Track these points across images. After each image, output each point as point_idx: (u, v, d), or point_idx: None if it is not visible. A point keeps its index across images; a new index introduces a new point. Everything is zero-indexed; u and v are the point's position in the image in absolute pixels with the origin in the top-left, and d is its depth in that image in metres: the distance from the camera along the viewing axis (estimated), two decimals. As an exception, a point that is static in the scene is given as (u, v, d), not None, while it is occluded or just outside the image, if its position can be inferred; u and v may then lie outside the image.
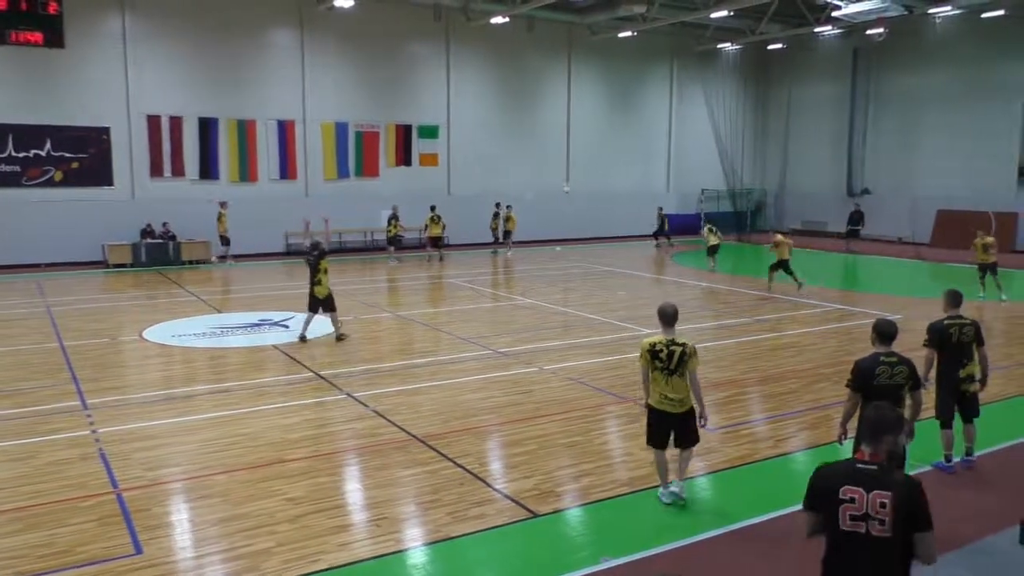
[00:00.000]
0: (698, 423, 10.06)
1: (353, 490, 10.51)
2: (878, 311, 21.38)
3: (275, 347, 17.52)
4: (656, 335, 9.68)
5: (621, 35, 40.86)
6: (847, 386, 9.50)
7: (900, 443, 6.29)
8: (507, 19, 36.83)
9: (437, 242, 34.00)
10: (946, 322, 11.31)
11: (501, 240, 37.04)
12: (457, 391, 14.31)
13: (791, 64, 47.39)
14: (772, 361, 16.08)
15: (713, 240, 29.25)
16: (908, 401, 9.31)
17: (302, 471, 10.98)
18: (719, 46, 45.50)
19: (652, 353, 9.69)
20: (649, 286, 25.46)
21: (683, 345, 9.59)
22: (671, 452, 10.28)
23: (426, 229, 34.59)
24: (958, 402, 11.39)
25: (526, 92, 40.86)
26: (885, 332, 9.54)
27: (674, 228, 42.03)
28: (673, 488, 10.39)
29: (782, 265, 23.40)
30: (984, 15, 37.46)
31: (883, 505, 6.03)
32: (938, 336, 11.20)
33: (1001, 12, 36.59)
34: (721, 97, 47.51)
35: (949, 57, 40.50)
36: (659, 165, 47.28)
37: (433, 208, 34.73)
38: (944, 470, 11.31)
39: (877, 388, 9.24)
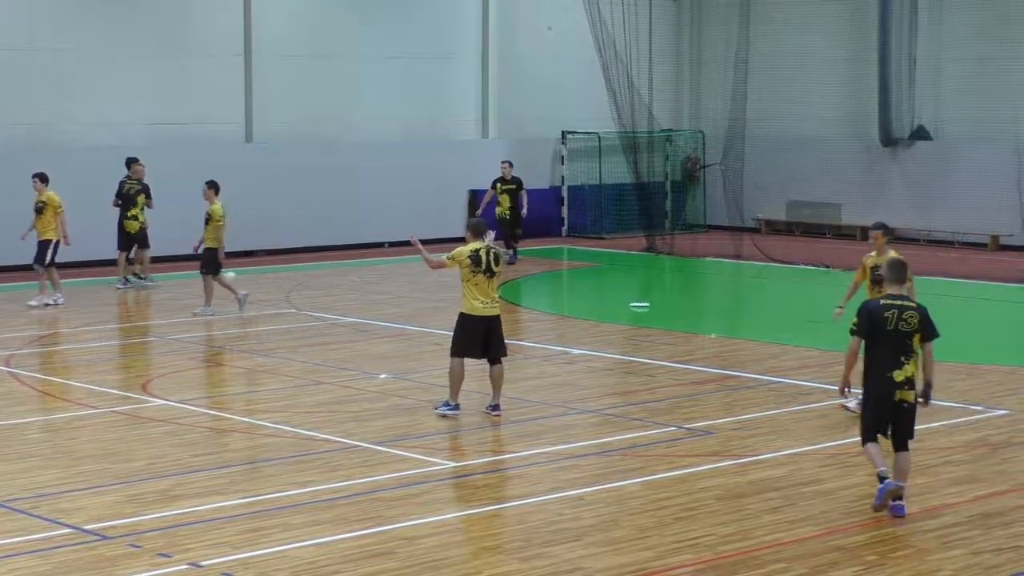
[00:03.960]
0: None
1: None
2: (952, 400, 16.74)
3: None
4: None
5: None
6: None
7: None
8: None
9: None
10: (882, 303, 12.25)
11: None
12: None
13: None
14: (730, 523, 12.16)
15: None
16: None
17: None
18: None
19: None
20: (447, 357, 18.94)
21: None
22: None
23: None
24: (891, 416, 12.19)
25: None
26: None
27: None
28: None
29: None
30: None
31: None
32: (867, 321, 12.17)
33: None
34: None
35: None
36: (464, 82, 35.99)
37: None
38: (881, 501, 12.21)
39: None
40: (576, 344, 21.04)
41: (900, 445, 12.18)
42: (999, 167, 33.04)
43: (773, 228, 36.80)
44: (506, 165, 30.68)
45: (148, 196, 26.13)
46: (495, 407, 15.81)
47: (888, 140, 35.37)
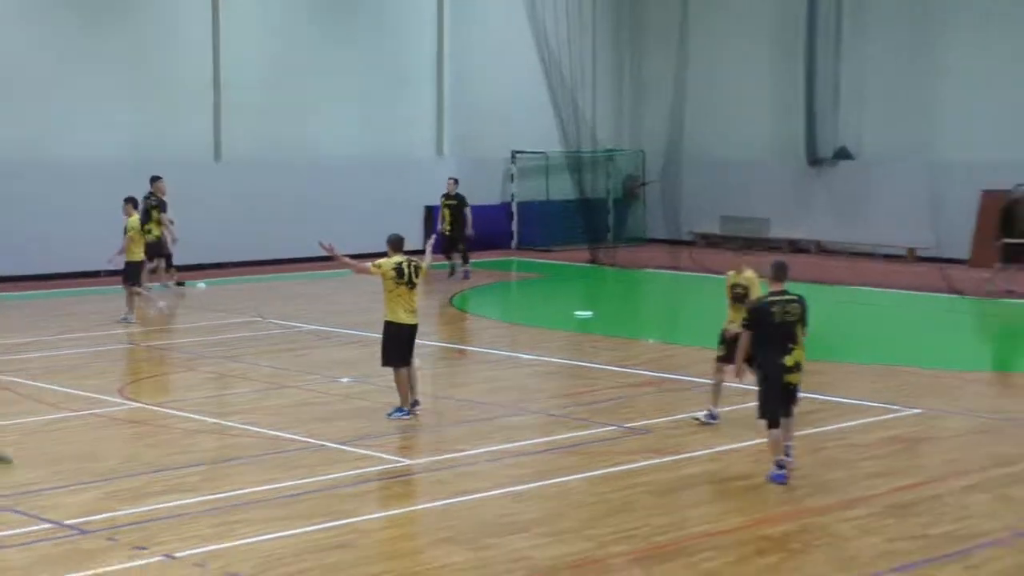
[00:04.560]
0: None
1: None
2: (870, 400, 17.22)
3: None
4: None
5: None
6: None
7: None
8: None
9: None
10: (770, 299, 13.03)
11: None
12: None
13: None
14: (664, 515, 12.13)
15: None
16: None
17: None
18: None
19: None
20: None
21: None
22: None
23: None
24: (783, 396, 12.95)
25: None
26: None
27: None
28: None
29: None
30: None
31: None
32: (757, 317, 13.01)
33: None
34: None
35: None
36: (420, 104, 35.02)
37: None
38: (778, 480, 12.89)
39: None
40: (524, 350, 20.90)
41: (787, 415, 12.98)
42: (915, 185, 32.74)
43: (708, 241, 36.19)
44: (451, 181, 29.97)
45: (163, 210, 25.83)
46: (392, 410, 15.69)
47: (813, 159, 34.94)
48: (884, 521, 11.80)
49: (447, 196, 29.81)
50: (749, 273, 15.15)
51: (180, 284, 26.80)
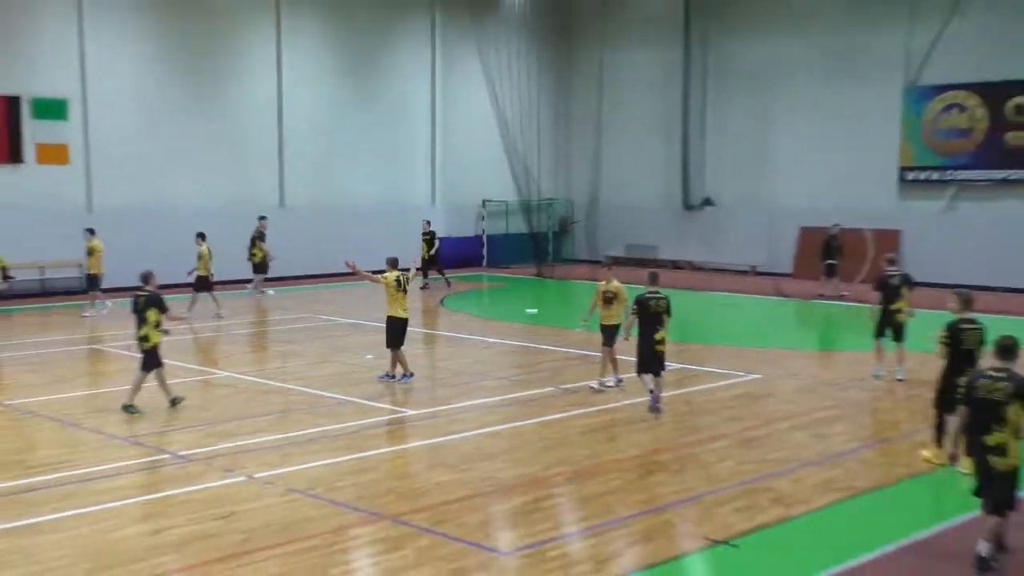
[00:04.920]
0: None
1: None
2: (726, 369, 17.02)
3: None
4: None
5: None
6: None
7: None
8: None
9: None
10: (647, 295, 13.29)
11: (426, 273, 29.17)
12: (109, 524, 9.28)
13: (604, 19, 35.99)
14: (587, 448, 11.96)
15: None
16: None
17: None
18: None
19: None
20: (410, 343, 18.25)
21: None
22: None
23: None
24: (653, 361, 13.32)
25: (202, 57, 28.50)
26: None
27: (447, 258, 30.11)
28: None
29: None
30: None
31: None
32: (640, 306, 13.34)
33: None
34: (507, 66, 33.63)
35: (807, 21, 31.44)
36: (419, 166, 34.33)
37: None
38: (653, 402, 13.36)
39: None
40: (491, 335, 20.76)
41: (657, 374, 13.53)
42: (756, 223, 32.67)
43: (617, 261, 35.23)
44: (425, 223, 29.39)
45: (263, 240, 25.86)
46: (399, 376, 15.56)
47: (687, 205, 34.69)
48: (736, 451, 11.83)
49: (424, 233, 29.27)
50: (616, 282, 14.96)
51: (262, 292, 26.48)
